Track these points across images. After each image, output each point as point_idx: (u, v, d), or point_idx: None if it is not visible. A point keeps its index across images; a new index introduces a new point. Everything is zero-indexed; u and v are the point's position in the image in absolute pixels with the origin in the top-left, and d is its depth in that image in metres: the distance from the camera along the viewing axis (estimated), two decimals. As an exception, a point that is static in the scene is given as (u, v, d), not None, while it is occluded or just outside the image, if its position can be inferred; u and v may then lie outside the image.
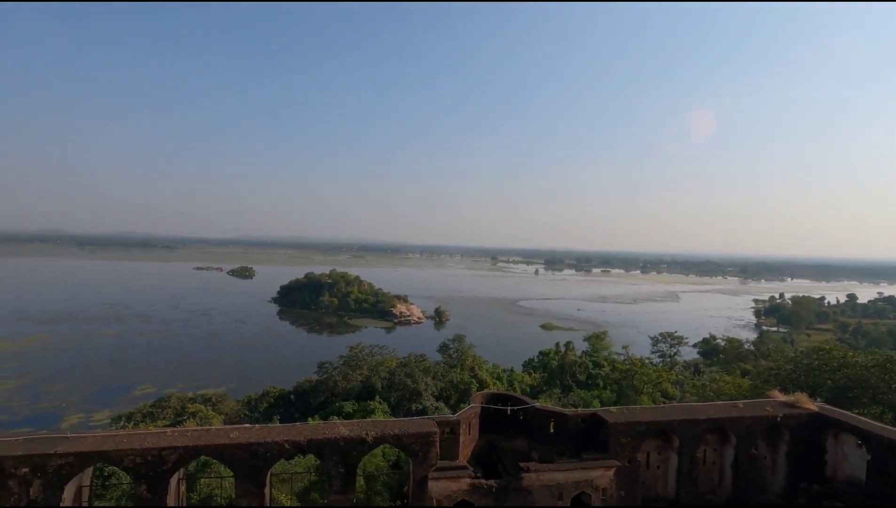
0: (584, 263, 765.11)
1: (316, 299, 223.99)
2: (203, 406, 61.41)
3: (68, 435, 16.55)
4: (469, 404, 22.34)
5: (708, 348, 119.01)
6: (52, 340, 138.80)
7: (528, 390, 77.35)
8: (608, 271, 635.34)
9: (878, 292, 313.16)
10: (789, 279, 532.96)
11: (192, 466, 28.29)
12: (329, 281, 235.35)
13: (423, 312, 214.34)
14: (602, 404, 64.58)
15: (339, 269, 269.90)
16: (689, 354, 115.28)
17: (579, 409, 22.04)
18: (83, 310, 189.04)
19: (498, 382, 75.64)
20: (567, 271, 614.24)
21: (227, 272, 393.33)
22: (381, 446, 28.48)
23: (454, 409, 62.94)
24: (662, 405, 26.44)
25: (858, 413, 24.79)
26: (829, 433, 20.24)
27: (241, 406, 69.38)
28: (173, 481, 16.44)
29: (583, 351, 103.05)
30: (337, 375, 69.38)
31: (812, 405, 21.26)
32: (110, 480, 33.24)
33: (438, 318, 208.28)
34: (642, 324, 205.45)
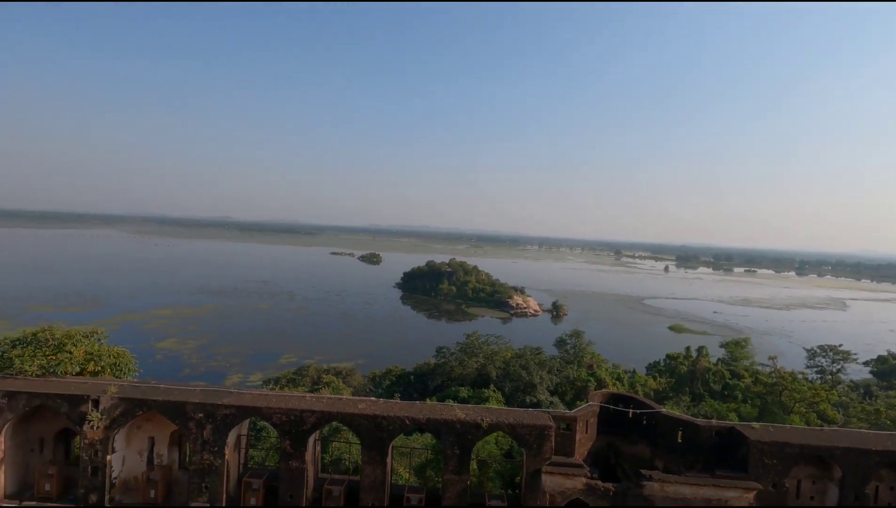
0: (723, 261, 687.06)
1: (435, 287, 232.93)
2: (335, 378, 67.81)
3: (231, 391, 19.47)
4: (587, 402, 21.55)
5: (885, 367, 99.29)
6: (220, 309, 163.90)
7: (652, 394, 72.13)
8: (753, 272, 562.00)
9: None
10: None
11: (325, 430, 31.56)
12: (448, 270, 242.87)
13: (539, 305, 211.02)
14: (740, 418, 57.77)
15: (459, 258, 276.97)
16: (857, 373, 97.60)
17: (713, 421, 19.95)
18: (244, 286, 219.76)
19: (618, 383, 71.76)
20: (702, 270, 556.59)
21: (358, 258, 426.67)
22: (495, 434, 28.97)
23: (569, 406, 61.20)
24: (820, 427, 22.73)
25: None
26: None
27: (367, 381, 75.17)
28: (311, 440, 18.48)
29: (718, 358, 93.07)
30: (453, 360, 71.60)
31: None
32: (261, 433, 38.48)
33: (556, 312, 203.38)
34: (796, 334, 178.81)
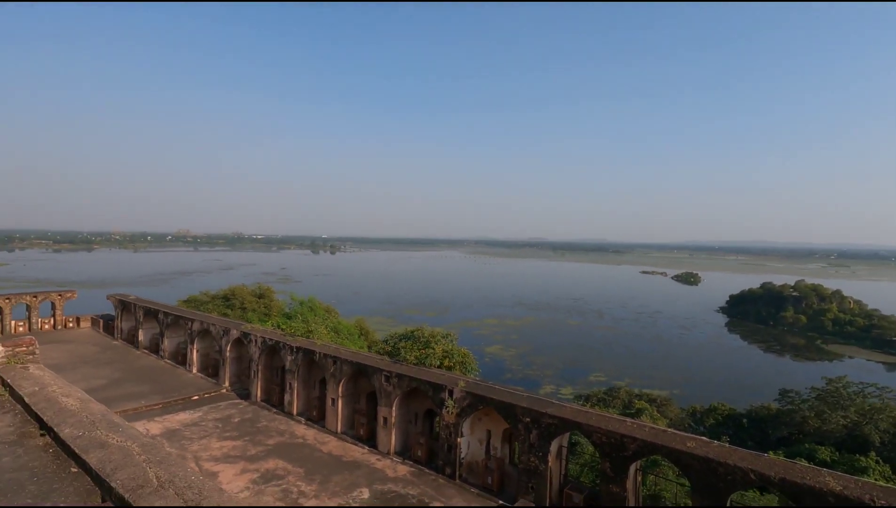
0: None
1: (775, 314, 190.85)
2: (649, 405, 63.59)
3: (553, 402, 20.72)
4: None
5: None
6: (536, 322, 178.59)
7: None
8: None
9: None
10: None
11: (643, 460, 29.84)
12: (794, 294, 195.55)
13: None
14: None
15: (809, 280, 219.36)
16: None
17: None
18: (556, 302, 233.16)
19: None
20: None
21: (671, 277, 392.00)
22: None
23: None
24: None
25: None
26: None
27: (686, 415, 67.53)
28: (632, 468, 17.73)
29: None
30: (807, 409, 56.80)
31: None
32: (575, 447, 39.48)
33: None
34: None
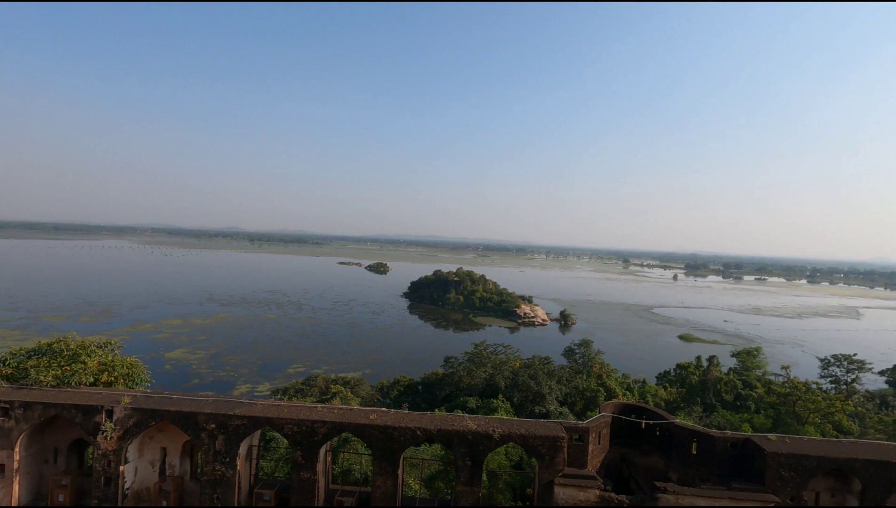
0: (732, 269, 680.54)
1: (443, 296, 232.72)
2: (343, 388, 67.70)
3: (243, 401, 19.52)
4: (597, 412, 21.35)
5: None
6: (229, 319, 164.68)
7: (663, 405, 71.35)
8: (764, 280, 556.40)
9: None
10: None
11: (335, 441, 31.51)
12: (456, 279, 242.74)
13: (547, 314, 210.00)
14: (754, 429, 56.90)
15: (466, 267, 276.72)
16: (872, 382, 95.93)
17: (728, 432, 19.68)
18: (252, 295, 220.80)
19: (628, 393, 71.08)
20: (711, 278, 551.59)
21: (365, 268, 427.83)
22: (505, 445, 28.74)
23: (579, 416, 60.62)
24: (837, 439, 22.35)
25: None
26: None
27: (375, 391, 74.97)
28: (322, 451, 18.44)
29: (730, 368, 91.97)
30: (462, 370, 71.34)
31: None
32: (270, 444, 38.45)
33: (564, 321, 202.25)
34: (809, 343, 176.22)
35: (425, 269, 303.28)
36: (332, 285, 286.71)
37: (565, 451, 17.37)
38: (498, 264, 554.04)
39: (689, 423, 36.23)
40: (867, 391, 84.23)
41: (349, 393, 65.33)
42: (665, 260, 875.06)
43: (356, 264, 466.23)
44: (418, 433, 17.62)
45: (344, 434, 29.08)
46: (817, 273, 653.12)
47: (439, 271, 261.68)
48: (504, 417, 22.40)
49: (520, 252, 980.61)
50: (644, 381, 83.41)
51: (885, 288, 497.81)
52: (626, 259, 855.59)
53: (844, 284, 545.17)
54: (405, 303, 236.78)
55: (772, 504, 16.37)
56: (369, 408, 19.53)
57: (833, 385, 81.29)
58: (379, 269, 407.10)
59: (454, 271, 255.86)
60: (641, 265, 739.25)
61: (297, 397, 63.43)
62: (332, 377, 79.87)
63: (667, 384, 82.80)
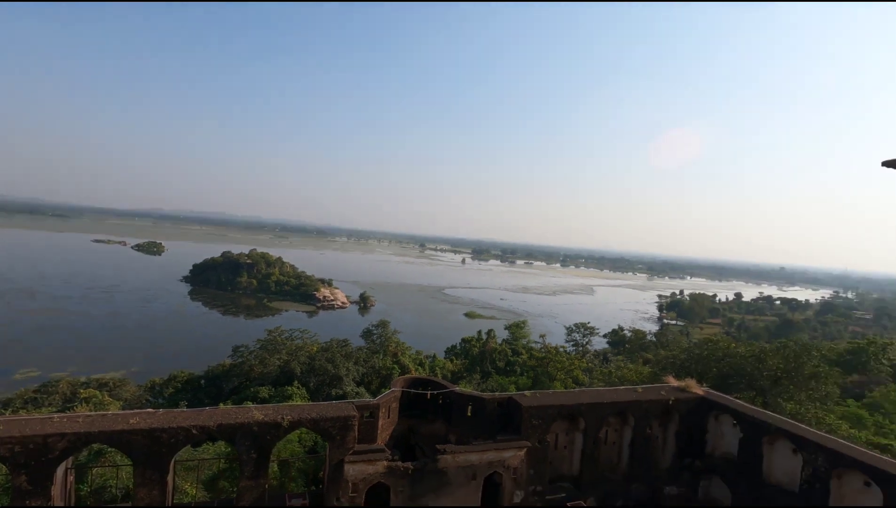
0: (508, 254, 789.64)
1: (233, 280, 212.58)
2: (98, 392, 56.45)
3: (-72, 423, 14.53)
4: (390, 388, 22.46)
5: (616, 338, 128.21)
6: None
7: (450, 376, 79.06)
8: (531, 264, 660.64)
9: (759, 292, 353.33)
10: (689, 278, 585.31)
11: (83, 455, 26.03)
12: (248, 261, 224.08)
13: (347, 297, 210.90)
14: (518, 389, 67.50)
15: (261, 249, 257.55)
16: (599, 343, 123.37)
17: (497, 393, 22.93)
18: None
19: (420, 368, 76.54)
20: (493, 262, 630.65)
21: (132, 247, 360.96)
22: (298, 432, 27.95)
23: (375, 394, 62.88)
24: (573, 390, 28.28)
25: (736, 397, 28.00)
26: (711, 414, 22.72)
27: (144, 392, 64.60)
28: (60, 471, 15.02)
29: (503, 339, 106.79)
30: (253, 359, 66.64)
31: (699, 390, 23.71)
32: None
33: (363, 303, 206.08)
34: (560, 315, 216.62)
35: (212, 250, 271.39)
36: (84, 268, 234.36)
37: (356, 429, 17.80)
38: (297, 246, 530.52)
39: (469, 389, 40.93)
40: (596, 350, 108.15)
41: (106, 397, 54.79)
42: (456, 245, 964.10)
43: (119, 242, 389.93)
44: (194, 431, 15.78)
45: (96, 446, 24.24)
46: (567, 258, 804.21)
47: (229, 252, 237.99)
48: (297, 403, 21.76)
49: (321, 234, 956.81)
50: (434, 356, 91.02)
51: (610, 271, 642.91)
52: (422, 243, 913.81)
53: (585, 267, 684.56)
54: (186, 288, 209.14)
55: (524, 448, 19.75)
56: (132, 411, 16.67)
57: (574, 348, 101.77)
58: (151, 249, 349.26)
59: (246, 252, 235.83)
60: (435, 250, 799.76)
61: (27, 409, 50.32)
62: (82, 380, 65.83)
63: (453, 357, 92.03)
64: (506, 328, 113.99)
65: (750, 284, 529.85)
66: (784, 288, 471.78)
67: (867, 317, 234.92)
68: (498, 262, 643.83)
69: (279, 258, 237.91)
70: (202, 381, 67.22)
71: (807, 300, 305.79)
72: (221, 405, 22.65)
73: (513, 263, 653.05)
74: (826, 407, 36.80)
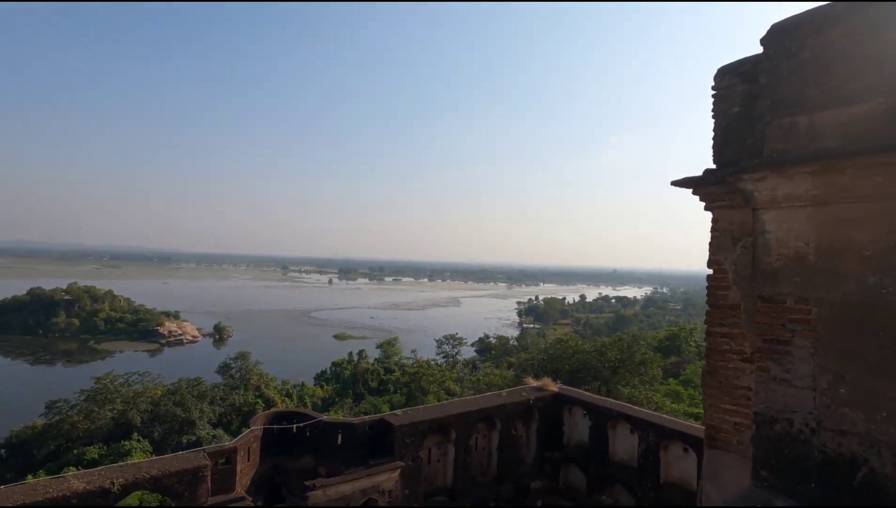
0: (377, 271, 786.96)
1: (46, 321, 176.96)
2: None
3: None
4: (249, 427, 20.51)
5: (483, 346, 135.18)
6: None
7: (320, 403, 75.49)
8: (399, 280, 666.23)
9: (598, 293, 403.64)
10: (542, 284, 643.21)
11: None
12: (67, 297, 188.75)
13: (199, 329, 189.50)
14: (392, 407, 66.99)
15: (84, 282, 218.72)
16: (468, 353, 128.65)
17: (367, 417, 22.38)
18: None
19: (287, 399, 71.85)
20: (361, 280, 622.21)
21: None
22: (137, 494, 23.89)
23: (236, 434, 57.03)
24: (444, 402, 28.91)
25: (586, 390, 31.28)
26: (565, 408, 24.98)
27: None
28: None
29: (375, 358, 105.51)
30: (76, 415, 56.13)
31: (554, 387, 25.94)
32: None
33: (219, 335, 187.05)
34: (430, 328, 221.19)
35: (14, 287, 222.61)
36: None
37: (209, 480, 15.83)
38: (133, 277, 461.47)
39: (339, 416, 39.38)
40: (465, 359, 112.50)
41: None
42: (322, 266, 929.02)
43: None
44: (-19, 522, 12.52)
45: None
46: (434, 273, 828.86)
47: (39, 288, 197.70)
48: (137, 460, 18.54)
49: (163, 261, 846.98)
50: (303, 384, 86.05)
51: (474, 282, 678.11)
52: (284, 266, 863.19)
53: (451, 280, 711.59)
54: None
55: (398, 469, 19.51)
56: None
57: (445, 359, 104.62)
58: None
59: (64, 287, 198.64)
60: (300, 271, 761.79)
61: None
62: None
63: (323, 383, 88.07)
64: (377, 347, 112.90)
65: (591, 286, 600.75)
66: (617, 288, 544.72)
67: (678, 308, 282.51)
68: (366, 280, 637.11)
69: (109, 292, 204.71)
70: (2, 451, 54.45)
71: (634, 297, 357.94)
72: (30, 478, 18.28)
73: (381, 280, 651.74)
74: (653, 388, 43.17)
